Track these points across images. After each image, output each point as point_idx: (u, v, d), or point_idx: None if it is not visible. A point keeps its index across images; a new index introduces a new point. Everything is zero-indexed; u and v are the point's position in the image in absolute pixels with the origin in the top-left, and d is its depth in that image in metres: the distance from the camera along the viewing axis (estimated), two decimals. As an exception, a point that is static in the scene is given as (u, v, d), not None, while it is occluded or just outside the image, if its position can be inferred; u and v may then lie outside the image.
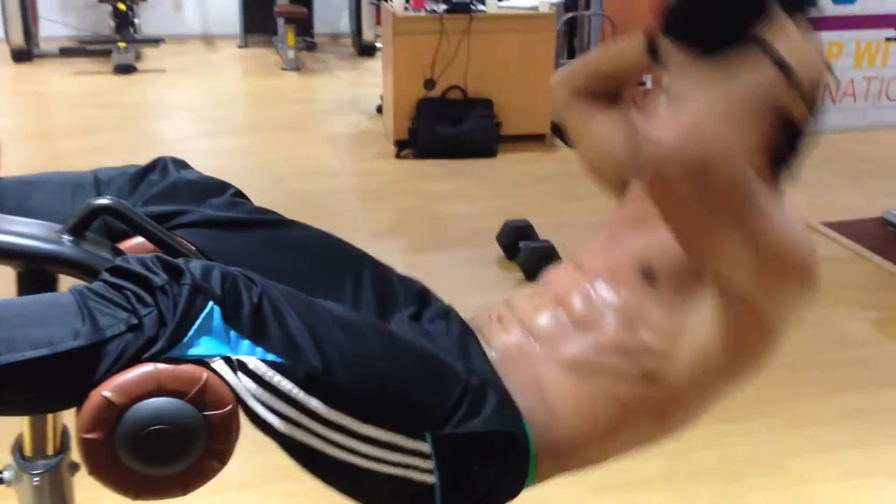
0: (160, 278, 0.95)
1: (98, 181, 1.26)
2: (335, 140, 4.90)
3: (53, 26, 7.02)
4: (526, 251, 3.13)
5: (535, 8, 4.58)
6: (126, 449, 0.92)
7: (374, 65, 6.63)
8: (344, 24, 7.79)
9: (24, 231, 1.08)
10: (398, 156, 4.51)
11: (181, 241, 1.18)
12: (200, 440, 0.93)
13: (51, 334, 0.90)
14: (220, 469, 0.96)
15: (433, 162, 4.41)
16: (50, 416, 1.20)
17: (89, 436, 0.91)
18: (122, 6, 6.69)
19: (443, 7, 4.47)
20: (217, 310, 0.96)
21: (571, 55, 5.30)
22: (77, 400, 0.93)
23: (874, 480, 2.08)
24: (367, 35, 7.10)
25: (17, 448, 1.22)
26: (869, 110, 5.01)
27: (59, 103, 5.67)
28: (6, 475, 1.21)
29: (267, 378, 0.95)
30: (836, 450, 2.18)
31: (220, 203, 1.27)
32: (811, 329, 2.80)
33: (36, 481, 1.20)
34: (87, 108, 5.39)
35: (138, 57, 6.61)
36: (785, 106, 0.93)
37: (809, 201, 3.88)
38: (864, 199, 3.88)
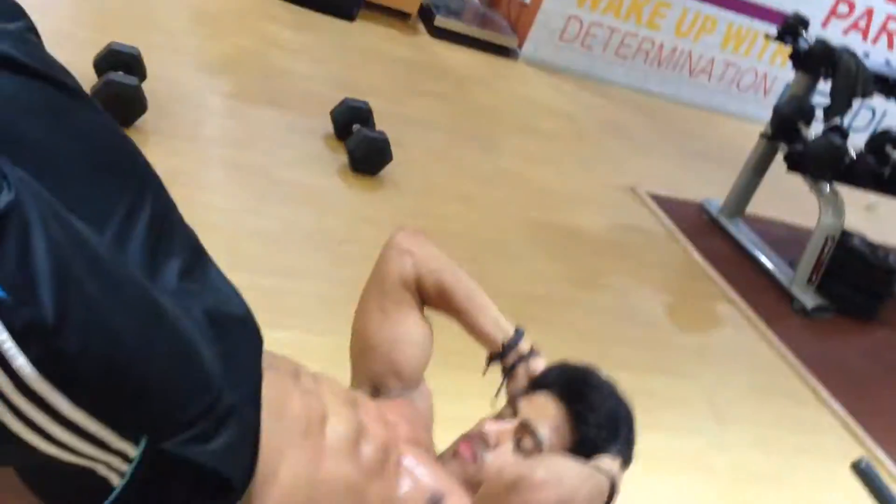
0: None
1: None
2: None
3: None
4: (358, 137, 2.90)
5: None
6: None
7: None
8: None
9: None
10: (249, -16, 4.04)
11: None
12: None
13: None
14: None
15: (284, 3, 4.00)
16: None
17: None
18: None
19: None
20: None
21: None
22: None
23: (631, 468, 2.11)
24: None
25: None
26: (718, 94, 5.12)
27: None
28: None
29: None
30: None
31: (8, 31, 0.95)
32: (608, 297, 2.83)
33: None
34: None
35: None
36: None
37: (642, 167, 3.92)
38: (689, 180, 3.96)
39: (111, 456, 0.81)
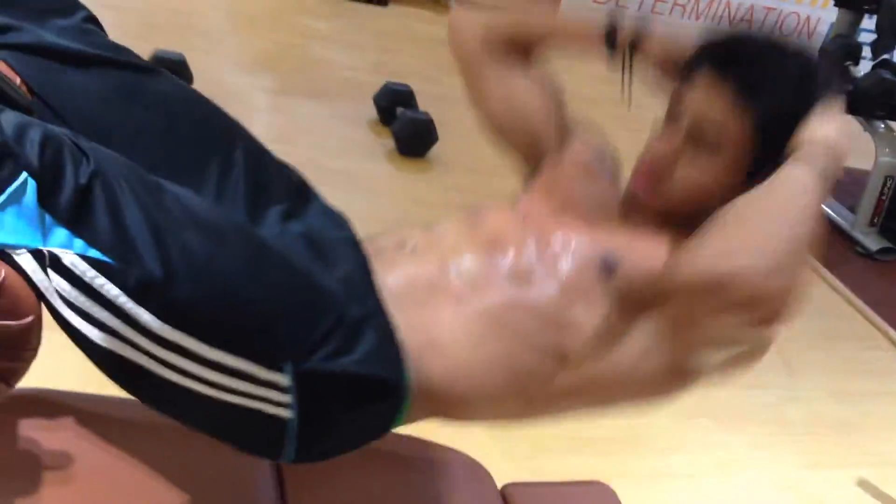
0: None
1: None
2: (212, -56, 4.38)
3: None
4: (403, 120, 2.92)
5: None
6: None
7: None
8: None
9: None
10: (280, -21, 4.09)
11: (2, 68, 0.92)
12: (-16, 354, 0.73)
13: None
14: (5, 391, 0.76)
15: (318, -5, 4.04)
16: None
17: None
18: None
19: None
20: (32, 184, 0.74)
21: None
22: None
23: (699, 422, 2.12)
24: None
25: None
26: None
27: None
28: None
29: (87, 279, 0.75)
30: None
31: (67, 27, 0.98)
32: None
33: None
34: None
35: None
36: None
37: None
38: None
39: (265, 389, 0.83)
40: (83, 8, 1.03)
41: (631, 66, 1.09)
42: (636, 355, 0.95)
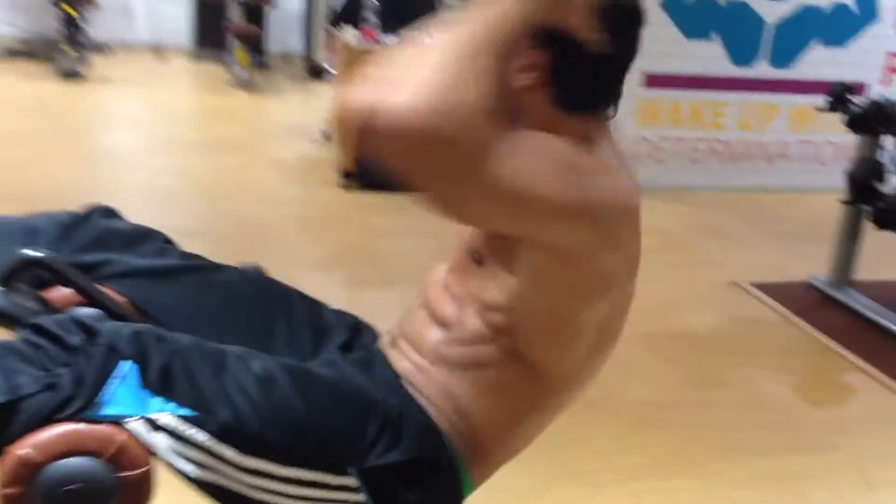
0: (76, 338, 0.99)
1: (30, 230, 1.26)
2: (281, 165, 4.89)
3: (-1, 25, 6.88)
4: (463, 294, 3.15)
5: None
6: (42, 505, 0.92)
7: (324, 88, 6.64)
8: (295, 42, 7.80)
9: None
10: (343, 185, 4.52)
11: (109, 293, 1.20)
12: (114, 500, 0.95)
13: None
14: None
15: (378, 194, 4.43)
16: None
17: (7, 490, 0.93)
18: (71, 11, 6.47)
19: (396, 41, 4.49)
20: (131, 369, 1.00)
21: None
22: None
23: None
24: (318, 57, 7.11)
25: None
26: (802, 173, 5.20)
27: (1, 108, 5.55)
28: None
29: (180, 432, 0.99)
30: (750, 514, 2.24)
31: (149, 251, 1.29)
32: (733, 390, 2.88)
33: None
34: (31, 116, 5.28)
35: (85, 63, 6.51)
36: (560, 25, 0.94)
37: (740, 261, 4.02)
38: (791, 262, 4.01)
39: (340, 493, 1.04)
40: (160, 234, 1.34)
41: None
42: (533, 280, 1.07)
